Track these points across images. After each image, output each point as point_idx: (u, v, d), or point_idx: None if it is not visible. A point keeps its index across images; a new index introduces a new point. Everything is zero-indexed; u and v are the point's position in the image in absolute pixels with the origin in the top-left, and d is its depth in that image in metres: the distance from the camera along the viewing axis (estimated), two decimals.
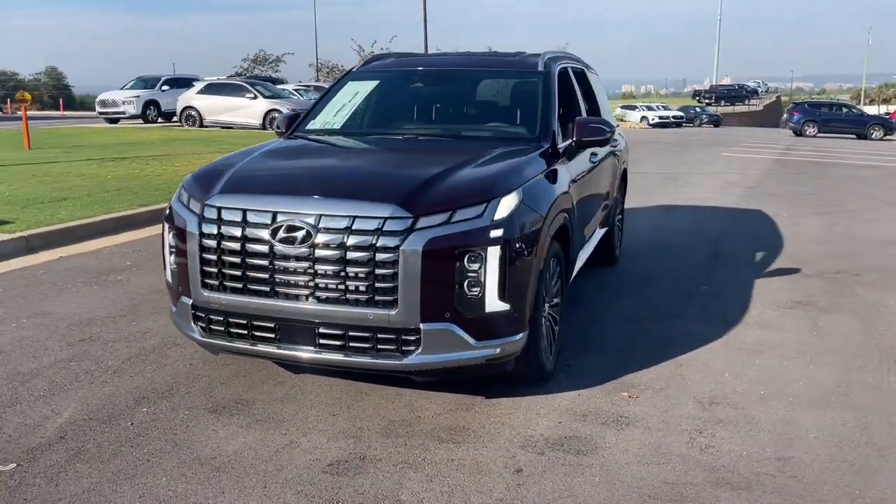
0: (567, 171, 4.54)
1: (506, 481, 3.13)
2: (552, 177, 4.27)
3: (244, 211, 3.61)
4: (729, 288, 6.23)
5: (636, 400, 3.96)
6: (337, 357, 3.59)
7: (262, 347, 3.70)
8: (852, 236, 8.69)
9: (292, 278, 3.54)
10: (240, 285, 3.64)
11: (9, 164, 12.69)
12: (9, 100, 40.68)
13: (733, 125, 50.47)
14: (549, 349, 4.13)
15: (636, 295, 6.02)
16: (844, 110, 36.30)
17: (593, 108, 6.21)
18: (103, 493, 2.99)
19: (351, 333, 3.54)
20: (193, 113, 23.73)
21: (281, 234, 3.51)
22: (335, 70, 48.11)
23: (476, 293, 3.50)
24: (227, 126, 23.15)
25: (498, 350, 3.63)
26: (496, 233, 3.50)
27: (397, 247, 3.40)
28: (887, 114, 48.00)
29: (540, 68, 5.12)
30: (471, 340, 3.54)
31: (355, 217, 3.46)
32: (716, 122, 48.40)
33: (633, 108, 51.12)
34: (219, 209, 3.67)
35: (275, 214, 3.55)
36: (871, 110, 47.88)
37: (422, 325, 3.48)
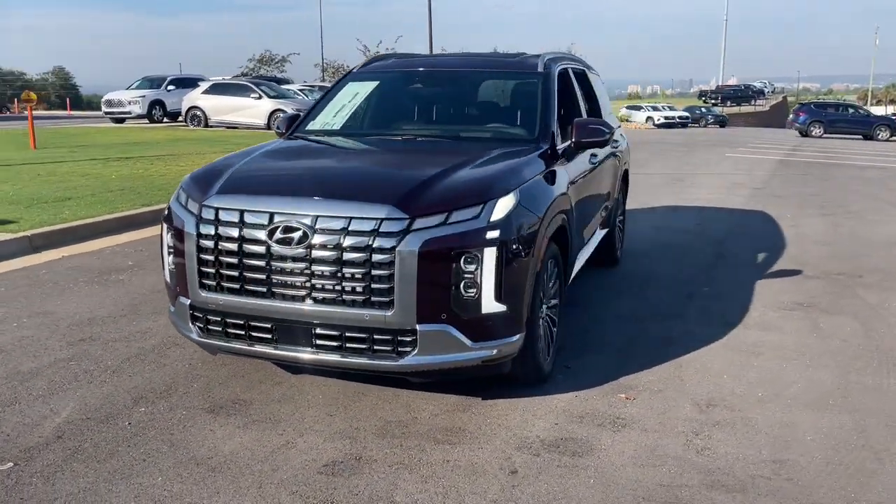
0: (566, 173, 4.54)
1: (500, 482, 3.13)
2: (550, 178, 4.26)
3: (241, 212, 3.62)
4: (730, 289, 6.22)
5: (633, 401, 3.96)
6: (333, 358, 3.60)
7: (259, 348, 3.72)
8: (856, 237, 8.66)
9: (289, 279, 3.55)
10: (237, 286, 3.65)
11: (14, 163, 12.75)
12: (15, 99, 40.86)
13: (739, 126, 50.34)
14: (546, 350, 4.13)
15: (637, 296, 6.01)
16: (851, 111, 36.17)
17: (594, 109, 6.21)
18: (99, 493, 3.00)
19: (347, 334, 3.55)
20: (198, 113, 23.79)
21: (278, 234, 3.52)
22: (340, 70, 48.18)
23: (472, 294, 3.50)
24: (232, 126, 23.21)
25: (494, 351, 3.63)
26: (492, 234, 3.50)
27: (393, 248, 3.41)
28: (894, 114, 47.84)
29: (540, 69, 5.12)
30: (467, 342, 3.54)
31: (352, 218, 3.46)
32: (721, 122, 48.29)
33: (638, 108, 51.08)
34: (216, 210, 3.68)
35: (272, 215, 3.56)
36: (879, 111, 47.72)
37: (418, 326, 3.48)
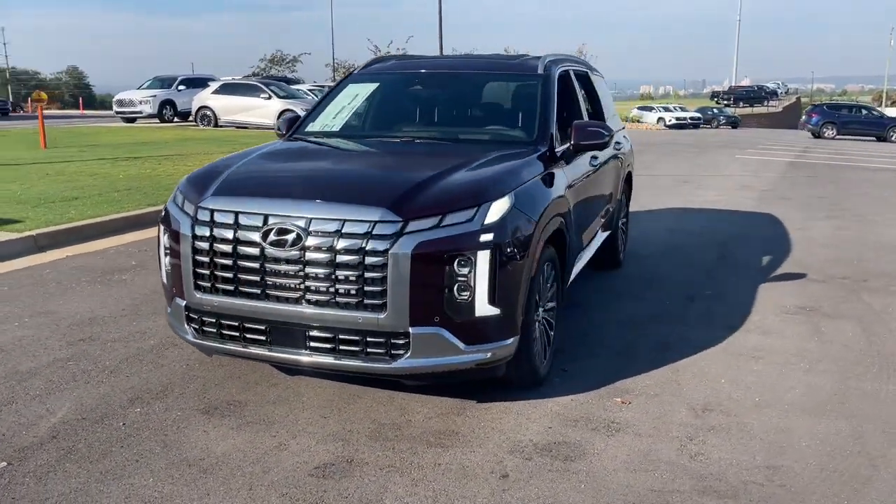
0: (564, 175, 4.52)
1: (491, 486, 3.13)
2: (548, 180, 4.25)
3: (236, 213, 3.63)
4: (732, 292, 6.18)
5: (629, 406, 3.94)
6: (327, 360, 3.61)
7: (253, 349, 3.72)
8: (863, 241, 8.59)
9: (283, 281, 3.56)
10: (231, 287, 3.66)
11: (24, 162, 12.85)
12: (29, 99, 41.18)
13: (752, 127, 50.07)
14: (543, 353, 4.11)
15: (638, 299, 5.98)
16: (864, 112, 35.90)
17: (597, 111, 6.19)
18: (90, 494, 3.02)
19: (341, 336, 3.55)
20: (208, 113, 23.90)
21: (272, 236, 3.53)
22: (352, 70, 48.33)
23: (466, 297, 3.50)
24: (241, 126, 23.29)
25: (488, 354, 3.62)
26: (486, 237, 3.49)
27: (386, 250, 3.40)
28: None
29: (540, 71, 5.11)
30: (460, 345, 3.54)
31: (345, 220, 3.46)
32: (734, 123, 48.06)
33: (649, 109, 50.93)
34: (211, 211, 3.69)
35: (266, 217, 3.57)
36: (893, 112, 47.22)
37: (411, 329, 3.48)
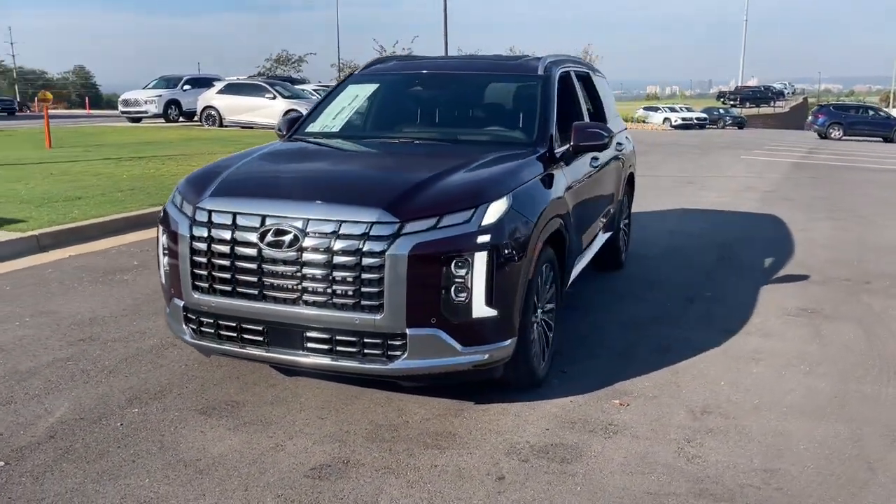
0: (563, 176, 4.52)
1: (486, 489, 3.12)
2: (547, 182, 4.25)
3: (234, 214, 3.64)
4: (733, 294, 6.16)
5: (627, 408, 3.93)
6: (324, 361, 3.61)
7: (250, 350, 3.73)
8: (865, 243, 8.55)
9: (280, 282, 3.56)
10: (229, 288, 3.66)
11: (29, 162, 12.89)
12: (35, 98, 41.35)
13: (758, 127, 49.91)
14: (541, 355, 4.10)
15: (639, 300, 5.97)
16: (871, 113, 35.73)
17: (598, 112, 6.18)
18: (86, 494, 3.02)
19: (338, 337, 3.55)
20: (213, 112, 23.95)
21: (269, 237, 3.53)
22: (355, 70, 48.37)
23: (463, 299, 3.49)
24: (246, 126, 23.33)
25: (486, 356, 3.62)
26: (483, 238, 3.49)
27: (383, 252, 3.40)
28: None
29: (540, 72, 5.10)
30: (457, 346, 3.53)
31: (342, 221, 3.46)
32: (740, 123, 47.91)
33: (655, 109, 50.82)
34: (209, 212, 3.70)
35: (263, 218, 3.57)
36: None
37: (408, 331, 3.48)
